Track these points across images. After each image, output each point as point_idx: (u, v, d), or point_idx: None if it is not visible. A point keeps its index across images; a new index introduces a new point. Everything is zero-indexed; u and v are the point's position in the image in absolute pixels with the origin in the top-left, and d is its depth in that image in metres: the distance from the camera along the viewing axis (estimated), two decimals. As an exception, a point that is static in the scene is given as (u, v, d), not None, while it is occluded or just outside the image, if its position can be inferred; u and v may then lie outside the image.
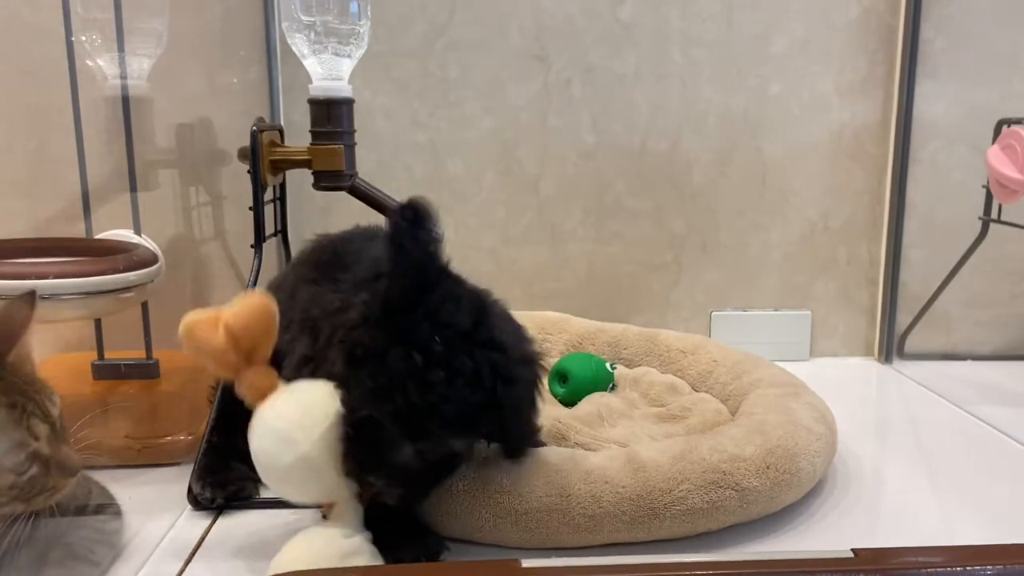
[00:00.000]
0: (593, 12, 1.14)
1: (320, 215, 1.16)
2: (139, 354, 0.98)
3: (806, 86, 1.17)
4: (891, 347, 1.22)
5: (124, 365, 1.02)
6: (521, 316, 0.96)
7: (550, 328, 1.10)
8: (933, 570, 0.55)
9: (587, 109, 1.17)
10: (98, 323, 1.03)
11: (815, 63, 1.16)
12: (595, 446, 0.81)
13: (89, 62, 0.93)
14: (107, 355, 1.02)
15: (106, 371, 1.02)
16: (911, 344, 1.22)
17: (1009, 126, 0.98)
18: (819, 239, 1.21)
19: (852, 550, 0.62)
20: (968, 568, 0.54)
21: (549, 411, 0.88)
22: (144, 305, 1.02)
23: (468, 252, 1.18)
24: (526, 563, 0.61)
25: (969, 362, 1.23)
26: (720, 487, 0.68)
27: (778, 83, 1.17)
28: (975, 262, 1.13)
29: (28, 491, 0.53)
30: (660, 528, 0.67)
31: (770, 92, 1.17)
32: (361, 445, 0.56)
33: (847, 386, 1.13)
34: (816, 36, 1.15)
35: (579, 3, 1.14)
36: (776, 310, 1.22)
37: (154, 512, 0.74)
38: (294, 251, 1.08)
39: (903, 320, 1.22)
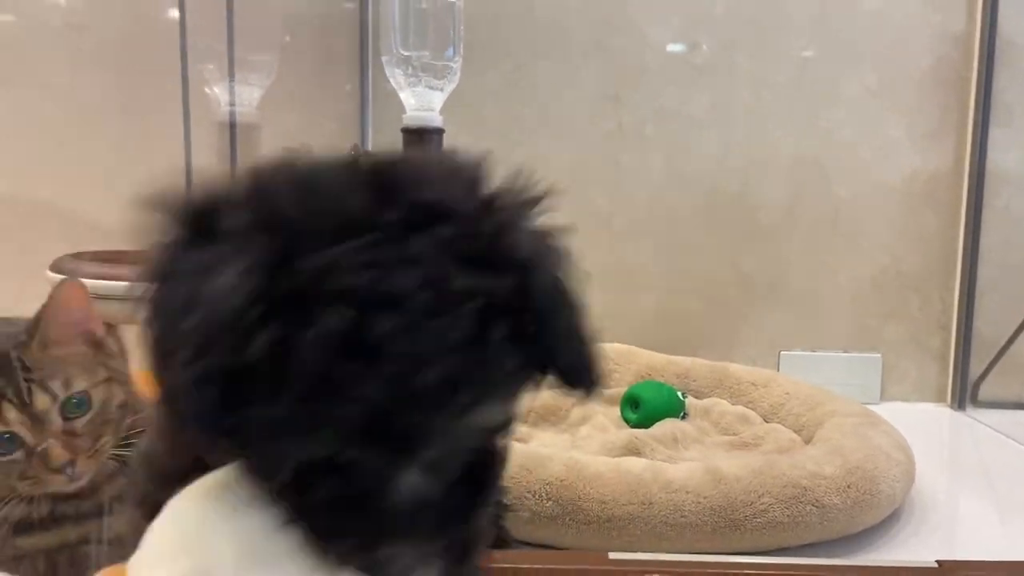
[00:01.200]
0: (667, 56, 1.18)
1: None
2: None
3: (878, 131, 1.19)
4: (964, 394, 1.20)
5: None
6: None
7: (618, 359, 1.12)
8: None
9: (659, 149, 1.20)
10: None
11: (887, 109, 1.18)
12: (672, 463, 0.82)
13: (207, 89, 1.00)
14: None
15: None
16: (985, 392, 1.21)
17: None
18: (890, 283, 1.22)
19: (936, 561, 0.62)
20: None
21: (625, 430, 0.90)
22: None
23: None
24: (613, 555, 0.63)
25: (1047, 412, 1.20)
26: (801, 502, 0.68)
27: (849, 128, 1.19)
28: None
29: (7, 473, 0.52)
30: (741, 540, 0.68)
31: (841, 136, 1.19)
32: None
33: (919, 429, 1.11)
34: (888, 83, 1.18)
35: (653, 47, 1.18)
36: (845, 352, 1.22)
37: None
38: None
39: (976, 367, 1.20)
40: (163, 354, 0.30)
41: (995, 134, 1.17)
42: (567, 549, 0.69)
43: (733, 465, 0.72)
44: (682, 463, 0.74)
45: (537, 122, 1.20)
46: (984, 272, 1.19)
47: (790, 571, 0.55)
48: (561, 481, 0.70)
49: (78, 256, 0.88)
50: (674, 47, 1.18)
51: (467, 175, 0.34)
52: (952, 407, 1.21)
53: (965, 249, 1.19)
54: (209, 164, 1.03)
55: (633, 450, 0.83)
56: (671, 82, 1.19)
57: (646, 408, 0.97)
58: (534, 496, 0.69)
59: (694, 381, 1.07)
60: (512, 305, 0.31)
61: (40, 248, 0.89)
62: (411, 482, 0.30)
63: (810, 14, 1.17)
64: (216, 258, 0.29)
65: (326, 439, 0.29)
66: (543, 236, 0.36)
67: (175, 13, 1.03)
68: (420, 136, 0.97)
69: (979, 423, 1.14)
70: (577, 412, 0.98)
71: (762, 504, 0.68)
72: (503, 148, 1.20)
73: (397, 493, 0.30)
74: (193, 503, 0.31)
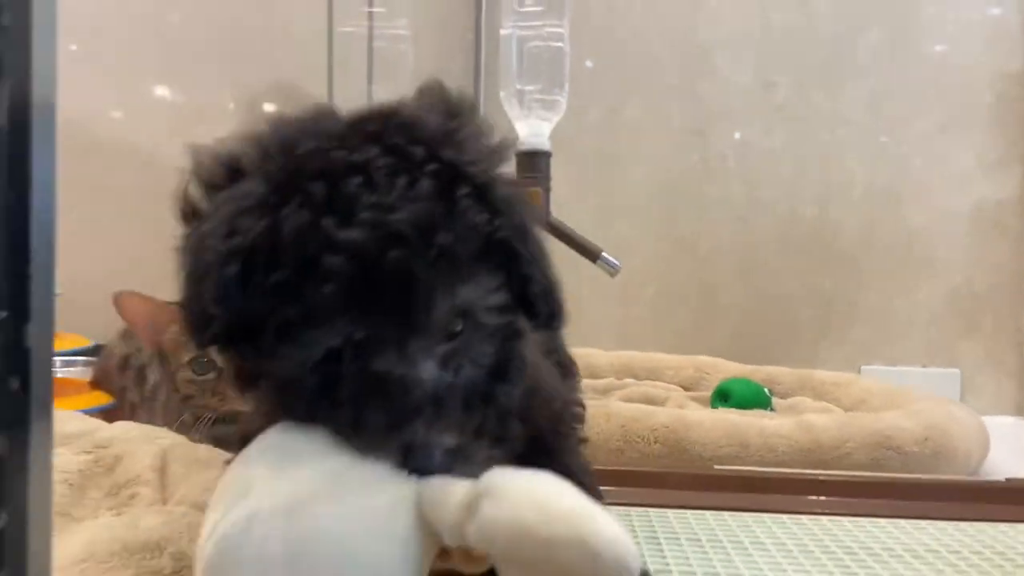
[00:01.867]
0: (748, 95, 1.32)
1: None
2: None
3: (946, 163, 1.29)
4: (1042, 410, 1.25)
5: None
6: (676, 359, 1.10)
7: (707, 368, 1.21)
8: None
9: (740, 179, 1.32)
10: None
11: (954, 142, 1.29)
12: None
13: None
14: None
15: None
16: (1063, 408, 1.26)
17: None
18: (964, 303, 1.29)
19: (1006, 479, 0.70)
20: None
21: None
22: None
23: (630, 303, 1.32)
24: (717, 467, 0.73)
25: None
26: (883, 448, 0.77)
27: (920, 159, 1.29)
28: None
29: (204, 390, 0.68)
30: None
31: (912, 167, 1.29)
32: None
33: (999, 441, 1.17)
34: (955, 118, 1.28)
35: (735, 86, 1.32)
36: (924, 367, 1.29)
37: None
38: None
39: (1053, 383, 1.26)
40: (195, 264, 0.35)
41: (1060, 163, 1.26)
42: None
43: (821, 419, 0.81)
44: (776, 418, 0.83)
45: (629, 154, 1.34)
46: (1056, 292, 1.26)
47: (863, 483, 0.64)
48: (666, 427, 0.80)
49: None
50: (754, 87, 1.32)
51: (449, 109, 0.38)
52: (1029, 421, 1.26)
53: (1036, 271, 1.26)
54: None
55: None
56: (751, 119, 1.32)
57: (735, 400, 1.06)
58: (643, 440, 0.80)
59: (779, 385, 1.16)
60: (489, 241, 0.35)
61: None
62: (417, 356, 0.33)
63: (879, 57, 1.30)
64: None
65: (337, 326, 0.33)
66: (515, 186, 0.39)
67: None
68: (532, 158, 1.12)
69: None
70: (673, 402, 1.08)
71: (847, 448, 0.77)
72: (600, 177, 1.34)
73: (410, 374, 0.33)
74: (256, 453, 0.35)
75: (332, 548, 0.31)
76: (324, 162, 0.34)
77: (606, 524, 0.29)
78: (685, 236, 1.33)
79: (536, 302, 0.37)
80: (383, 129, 0.35)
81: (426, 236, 0.33)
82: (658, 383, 1.16)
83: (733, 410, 0.84)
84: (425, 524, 0.32)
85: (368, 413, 0.33)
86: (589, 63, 1.33)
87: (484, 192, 0.35)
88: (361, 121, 0.36)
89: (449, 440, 0.33)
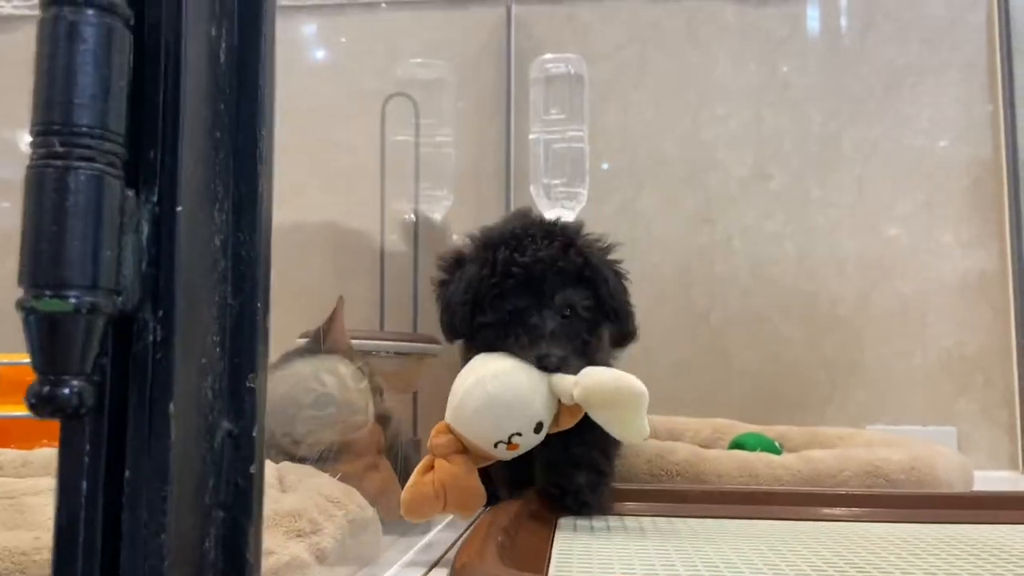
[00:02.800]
0: (748, 185, 1.49)
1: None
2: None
3: (930, 239, 1.44)
4: (1035, 462, 1.36)
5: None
6: (695, 421, 1.24)
7: (723, 429, 1.34)
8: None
9: (746, 258, 1.48)
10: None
11: (937, 220, 1.44)
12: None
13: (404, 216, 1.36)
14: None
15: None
16: (1055, 460, 1.36)
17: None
18: (956, 365, 1.42)
19: (971, 491, 0.82)
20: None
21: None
22: (414, 395, 1.36)
23: (652, 371, 1.46)
24: (728, 486, 0.85)
25: (1116, 478, 1.34)
26: (874, 476, 0.89)
27: (906, 235, 1.45)
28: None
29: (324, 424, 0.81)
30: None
31: (900, 243, 1.45)
32: None
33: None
34: (935, 200, 1.45)
35: (736, 178, 1.49)
36: (924, 426, 1.41)
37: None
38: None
39: (1044, 437, 1.37)
40: (446, 306, 0.78)
41: (1032, 238, 1.41)
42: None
43: (821, 453, 0.94)
44: (781, 456, 0.96)
45: (645, 239, 1.50)
46: (1039, 352, 1.38)
47: (849, 496, 0.77)
48: (686, 461, 0.93)
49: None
50: (755, 179, 1.49)
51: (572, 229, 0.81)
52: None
53: (1018, 334, 1.39)
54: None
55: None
56: (752, 205, 1.49)
57: (749, 449, 1.18)
58: (667, 473, 0.93)
59: (789, 441, 1.28)
60: (583, 274, 0.77)
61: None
62: (547, 316, 0.73)
63: (864, 149, 1.48)
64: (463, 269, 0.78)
65: (513, 300, 0.74)
66: (605, 253, 0.85)
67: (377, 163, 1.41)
68: (560, 242, 1.29)
69: (1052, 484, 1.29)
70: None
71: (843, 476, 0.89)
72: (620, 257, 1.50)
73: (543, 323, 0.73)
74: (476, 360, 0.74)
75: (516, 393, 0.69)
76: (511, 234, 0.76)
77: (637, 380, 0.67)
78: (699, 310, 1.48)
79: (609, 311, 0.80)
80: (536, 221, 0.80)
81: (552, 264, 0.75)
82: (678, 443, 1.29)
83: (742, 451, 0.97)
84: (552, 393, 0.70)
85: (523, 338, 0.73)
86: (606, 164, 1.52)
87: (582, 250, 0.78)
88: (525, 219, 0.81)
89: (559, 352, 0.71)
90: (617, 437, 0.73)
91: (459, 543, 0.59)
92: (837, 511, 0.76)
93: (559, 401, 0.70)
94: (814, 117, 1.50)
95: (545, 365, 0.70)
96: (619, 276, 0.84)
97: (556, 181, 1.32)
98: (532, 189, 1.32)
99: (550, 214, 1.32)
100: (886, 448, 0.96)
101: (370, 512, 0.56)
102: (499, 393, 0.68)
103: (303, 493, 0.55)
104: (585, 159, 1.37)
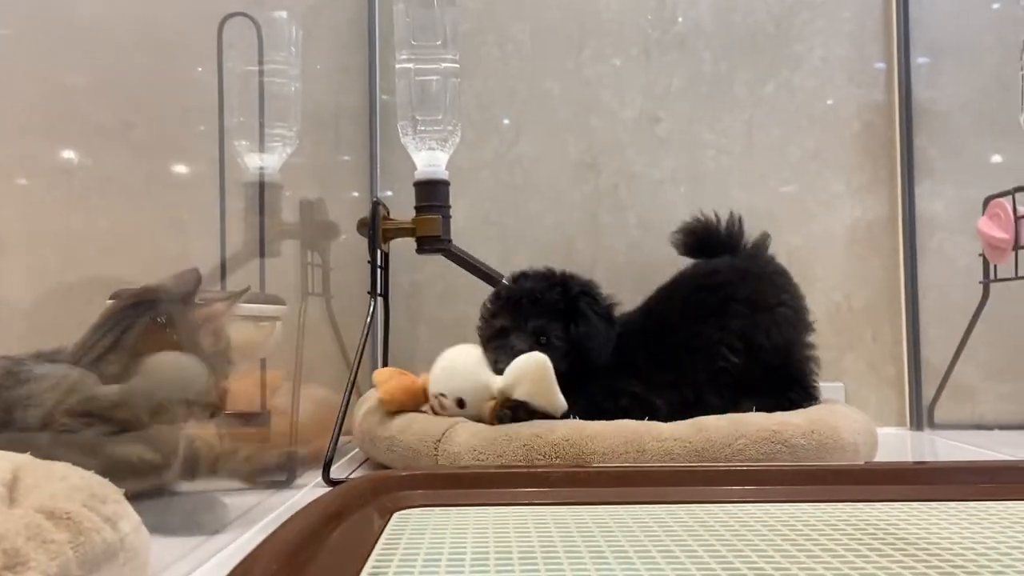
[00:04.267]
0: (635, 129, 1.38)
1: (405, 298, 1.35)
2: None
3: (820, 187, 1.37)
4: (921, 417, 1.33)
5: (239, 415, 1.18)
6: None
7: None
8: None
9: (632, 208, 1.37)
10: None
11: (827, 168, 1.37)
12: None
13: (239, 160, 1.17)
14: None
15: (225, 422, 1.17)
16: (940, 415, 1.33)
17: (994, 199, 1.16)
18: (844, 318, 1.36)
19: (864, 462, 0.73)
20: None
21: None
22: (263, 362, 1.19)
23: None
24: (596, 465, 0.74)
25: (996, 431, 1.32)
26: (772, 443, 0.80)
27: (795, 184, 1.37)
28: (992, 338, 1.27)
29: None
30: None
31: (789, 192, 1.37)
32: None
33: (884, 449, 1.23)
34: (826, 146, 1.37)
35: (622, 122, 1.38)
36: (812, 383, 1.35)
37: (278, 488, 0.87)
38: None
39: (929, 392, 1.33)
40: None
41: (922, 186, 1.36)
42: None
43: (714, 420, 0.83)
44: (672, 423, 0.85)
45: (526, 187, 1.37)
46: (926, 306, 1.34)
47: (735, 472, 0.67)
48: (566, 440, 0.81)
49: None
50: (642, 123, 1.38)
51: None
52: (912, 429, 1.33)
53: (907, 286, 1.35)
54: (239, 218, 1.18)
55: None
56: (640, 151, 1.38)
57: None
58: (545, 457, 0.80)
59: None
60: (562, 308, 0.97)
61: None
62: (520, 338, 0.93)
63: (754, 92, 1.38)
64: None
65: (502, 319, 0.96)
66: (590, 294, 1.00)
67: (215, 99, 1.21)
68: (430, 187, 1.13)
69: (939, 439, 1.26)
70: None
71: (739, 444, 0.79)
72: (497, 208, 1.37)
73: (516, 343, 0.92)
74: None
75: (461, 366, 0.93)
76: (520, 287, 0.99)
77: (540, 354, 0.87)
78: (583, 264, 1.36)
79: (580, 340, 0.95)
80: (538, 275, 1.02)
81: (532, 295, 0.96)
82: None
83: (629, 420, 0.86)
84: (489, 389, 0.90)
85: (498, 349, 0.92)
86: (483, 100, 1.37)
87: (566, 287, 0.99)
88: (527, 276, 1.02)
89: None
90: (542, 411, 0.87)
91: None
92: (726, 489, 0.66)
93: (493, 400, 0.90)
94: (704, 56, 1.39)
95: (496, 370, 0.90)
96: (603, 319, 0.98)
97: (426, 118, 1.16)
98: (400, 125, 1.15)
99: (421, 158, 1.17)
100: (784, 414, 0.87)
101: (127, 532, 0.40)
102: (452, 357, 0.95)
103: (22, 507, 0.39)
104: (456, 92, 1.21)
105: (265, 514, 0.72)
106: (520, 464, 0.78)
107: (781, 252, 1.35)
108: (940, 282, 1.35)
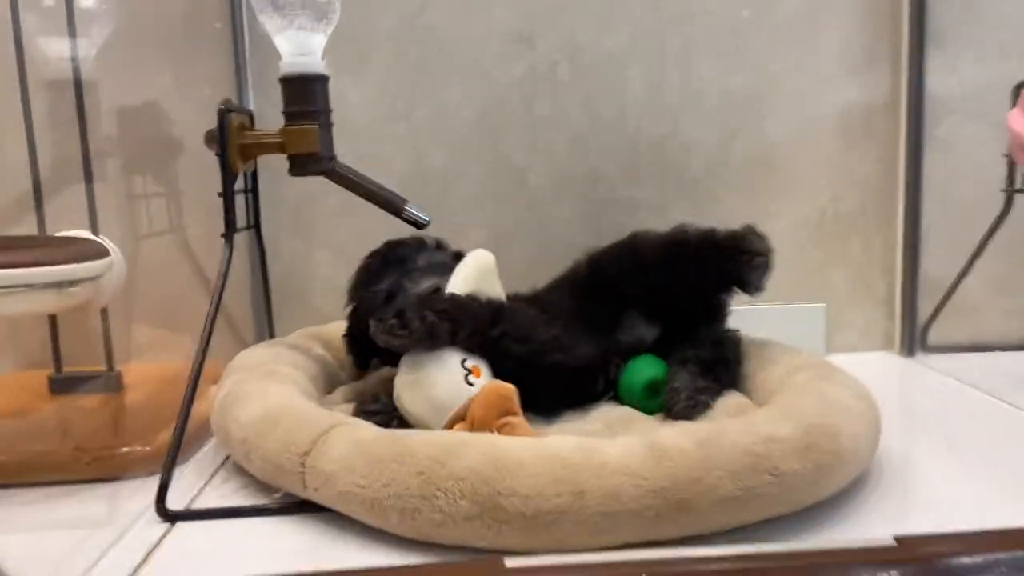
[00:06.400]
0: (581, -11, 1.07)
1: (292, 214, 1.08)
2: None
3: (809, 63, 1.10)
4: (913, 340, 1.13)
5: (83, 378, 0.94)
6: None
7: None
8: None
9: (577, 92, 1.09)
10: (55, 334, 0.94)
11: (818, 38, 1.10)
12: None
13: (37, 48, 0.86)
14: (66, 369, 0.94)
15: (64, 385, 0.94)
16: (935, 336, 1.14)
17: (1032, 86, 0.92)
18: (830, 226, 1.13)
19: (895, 538, 0.54)
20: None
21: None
22: (104, 311, 0.93)
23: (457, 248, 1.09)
24: (510, 562, 0.52)
25: (998, 353, 1.14)
26: (756, 471, 0.58)
27: (780, 61, 1.10)
28: (1001, 245, 1.06)
29: None
30: (689, 523, 0.57)
31: (772, 70, 1.10)
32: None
33: (868, 381, 1.05)
34: (817, 9, 1.09)
35: (565, -20, 1.07)
36: (788, 304, 1.14)
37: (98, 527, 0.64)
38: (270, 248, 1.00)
39: (925, 310, 1.13)
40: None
41: (933, 59, 1.09)
42: (485, 551, 0.58)
43: (676, 435, 0.61)
44: (619, 438, 0.63)
45: (439, 68, 1.07)
46: (928, 208, 1.12)
47: (716, 563, 0.45)
48: (476, 473, 0.58)
49: None
50: (586, -22, 1.07)
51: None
52: (902, 354, 1.14)
53: (907, 184, 1.11)
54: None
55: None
56: (586, 15, 1.08)
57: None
58: (446, 494, 0.58)
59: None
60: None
61: None
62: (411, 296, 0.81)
63: (732, -64, 1.07)
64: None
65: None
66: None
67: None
68: (300, 85, 0.84)
69: (929, 369, 1.07)
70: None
71: (711, 479, 0.58)
72: (402, 98, 1.08)
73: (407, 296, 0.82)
74: None
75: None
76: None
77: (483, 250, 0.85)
78: (514, 167, 1.10)
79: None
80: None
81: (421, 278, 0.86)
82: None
83: (567, 437, 0.63)
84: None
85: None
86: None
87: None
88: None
89: None
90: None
91: None
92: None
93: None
94: None
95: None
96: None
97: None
98: (254, 3, 0.84)
99: (286, 42, 0.87)
100: (767, 419, 0.65)
101: None
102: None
103: None
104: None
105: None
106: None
107: (761, 146, 1.11)
108: (946, 178, 1.12)
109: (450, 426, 0.73)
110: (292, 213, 1.09)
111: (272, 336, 1.03)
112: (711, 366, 0.85)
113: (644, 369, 0.86)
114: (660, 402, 0.84)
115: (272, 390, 0.75)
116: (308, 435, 0.66)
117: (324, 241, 1.10)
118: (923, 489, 0.68)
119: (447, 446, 0.61)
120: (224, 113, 0.81)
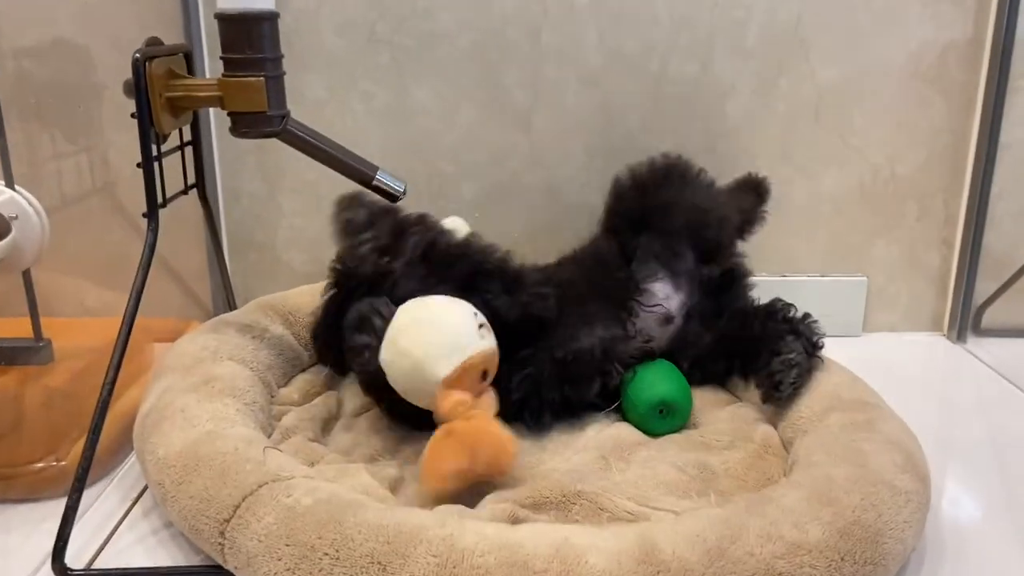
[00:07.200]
0: None
1: (254, 151, 0.93)
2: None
3: (877, -10, 0.91)
4: (965, 321, 0.99)
5: (7, 348, 0.82)
6: None
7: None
8: None
9: (592, 21, 0.91)
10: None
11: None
12: (604, 500, 0.59)
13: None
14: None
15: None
16: (990, 318, 1.00)
17: None
18: (882, 189, 0.97)
19: None
20: None
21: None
22: (26, 274, 0.81)
23: (444, 206, 0.94)
24: None
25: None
26: (779, 597, 0.47)
27: (841, -14, 0.90)
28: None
29: None
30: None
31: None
32: None
33: (905, 370, 0.92)
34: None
35: None
36: (823, 276, 0.99)
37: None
38: (224, 210, 0.86)
39: (983, 289, 0.98)
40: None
41: (1027, -9, 0.89)
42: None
43: (676, 535, 0.49)
44: (608, 529, 0.51)
45: (427, -11, 0.89)
46: (1001, 174, 0.94)
47: None
48: (427, 576, 0.47)
49: None
50: None
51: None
52: (950, 338, 1.00)
53: (979, 144, 0.94)
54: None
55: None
56: (607, -73, 0.88)
57: (680, 411, 0.73)
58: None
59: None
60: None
61: None
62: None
63: None
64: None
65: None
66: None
67: None
68: (244, 27, 0.67)
69: (978, 360, 0.94)
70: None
71: (719, 604, 0.46)
72: (386, 23, 0.90)
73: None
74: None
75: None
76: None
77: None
78: (517, 108, 0.93)
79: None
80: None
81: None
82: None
83: (542, 529, 0.51)
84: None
85: None
86: None
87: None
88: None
89: None
90: None
91: None
92: None
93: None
94: None
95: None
96: None
97: None
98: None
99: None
100: (793, 507, 0.52)
101: None
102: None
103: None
104: None
105: None
106: None
107: (808, 93, 0.93)
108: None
109: (445, 388, 0.61)
110: (253, 154, 0.93)
111: (230, 297, 0.91)
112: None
113: (655, 384, 0.73)
114: (670, 425, 0.72)
115: (201, 414, 0.63)
116: (231, 495, 0.54)
117: (290, 185, 0.95)
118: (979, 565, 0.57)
119: (395, 537, 0.49)
120: (140, 62, 0.65)
